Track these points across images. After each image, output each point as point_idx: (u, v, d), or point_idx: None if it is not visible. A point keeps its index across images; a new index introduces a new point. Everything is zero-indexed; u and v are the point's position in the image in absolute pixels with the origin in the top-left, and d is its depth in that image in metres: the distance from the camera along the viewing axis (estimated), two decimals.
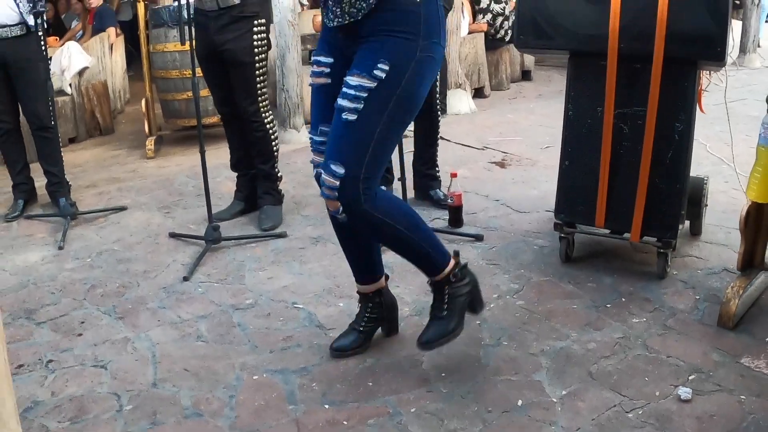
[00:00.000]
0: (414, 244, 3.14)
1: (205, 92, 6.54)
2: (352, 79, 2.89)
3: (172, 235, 5.09)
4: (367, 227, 3.09)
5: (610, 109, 4.03)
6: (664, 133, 3.96)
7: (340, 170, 2.87)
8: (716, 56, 3.83)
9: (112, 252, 4.93)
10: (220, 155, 6.53)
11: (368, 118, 2.87)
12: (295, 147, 7.20)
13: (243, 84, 5.08)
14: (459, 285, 3.25)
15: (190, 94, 7.38)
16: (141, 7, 7.74)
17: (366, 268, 3.44)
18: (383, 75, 2.85)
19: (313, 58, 3.19)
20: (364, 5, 2.87)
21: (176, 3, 7.67)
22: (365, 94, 2.86)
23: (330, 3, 2.96)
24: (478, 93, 9.98)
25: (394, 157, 4.54)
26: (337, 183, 2.88)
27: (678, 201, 4.06)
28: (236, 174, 5.52)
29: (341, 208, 2.95)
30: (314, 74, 3.16)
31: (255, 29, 5.01)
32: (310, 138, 3.23)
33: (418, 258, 3.22)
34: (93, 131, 9.01)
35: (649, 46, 3.82)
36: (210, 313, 3.93)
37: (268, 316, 3.87)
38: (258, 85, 5.14)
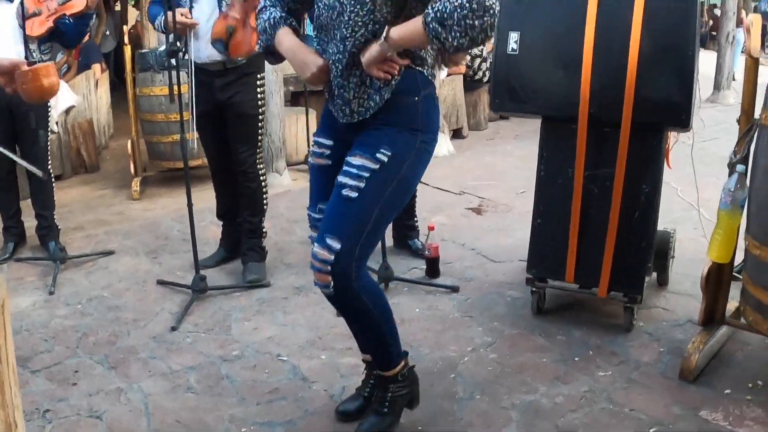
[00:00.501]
0: (381, 332, 3.29)
1: (189, 135, 6.77)
2: (355, 159, 3.05)
3: (160, 283, 5.26)
4: (349, 304, 3.21)
5: (580, 171, 4.25)
6: (631, 194, 4.19)
7: (336, 245, 2.99)
8: (681, 123, 4.08)
9: (101, 298, 5.09)
10: (205, 198, 6.70)
11: (369, 197, 3.01)
12: (277, 191, 7.36)
13: (244, 136, 5.23)
14: (402, 386, 3.40)
15: (175, 137, 7.56)
16: (128, 51, 7.90)
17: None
18: (386, 159, 3.01)
19: (314, 139, 3.36)
20: (372, 104, 3.06)
21: (162, 48, 7.88)
22: (367, 174, 3.01)
23: (338, 101, 3.14)
24: (456, 134, 10.23)
25: None
26: (332, 257, 3.00)
27: (643, 258, 4.28)
28: (222, 222, 5.68)
29: (331, 283, 3.06)
30: (315, 155, 3.33)
31: (258, 83, 5.20)
32: (309, 215, 3.39)
33: (379, 346, 3.36)
34: (78, 169, 9.15)
35: (617, 112, 4.06)
36: (199, 364, 4.10)
37: (254, 368, 4.05)
38: (258, 137, 5.34)
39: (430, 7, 2.80)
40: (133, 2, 21.76)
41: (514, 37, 4.26)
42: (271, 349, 4.26)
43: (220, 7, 4.96)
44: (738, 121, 3.82)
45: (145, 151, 8.29)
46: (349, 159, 3.07)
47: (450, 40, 2.78)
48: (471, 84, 10.66)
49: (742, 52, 16.70)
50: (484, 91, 10.71)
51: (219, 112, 5.16)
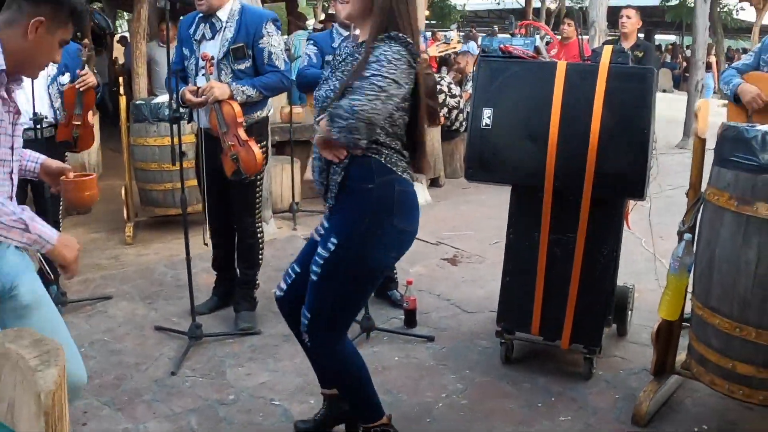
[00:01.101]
0: (355, 391, 3.81)
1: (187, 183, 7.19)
2: (318, 249, 3.56)
3: (158, 328, 5.63)
4: (326, 363, 3.79)
5: (546, 235, 4.70)
6: (591, 256, 4.64)
7: (306, 317, 3.59)
8: (637, 194, 4.55)
9: (103, 342, 5.46)
10: (194, 244, 7.02)
11: (324, 282, 3.54)
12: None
13: (245, 200, 5.59)
14: None
15: (168, 185, 7.97)
16: (123, 101, 8.26)
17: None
18: (333, 248, 3.49)
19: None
20: (332, 186, 3.53)
21: (157, 99, 8.29)
22: (321, 262, 3.52)
23: (317, 179, 3.65)
24: (434, 182, 10.63)
25: None
26: (306, 324, 3.60)
27: (602, 314, 4.74)
28: (216, 272, 6.05)
29: (309, 342, 3.67)
30: (315, 230, 3.81)
31: (262, 149, 5.46)
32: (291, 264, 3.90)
33: (356, 402, 3.87)
34: (71, 210, 9.48)
35: (579, 183, 4.50)
36: (198, 407, 4.50)
37: (250, 411, 4.46)
38: (257, 200, 5.69)
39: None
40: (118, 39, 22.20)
41: (487, 113, 4.70)
42: (264, 393, 4.67)
43: (219, 77, 5.30)
44: (686, 194, 4.29)
45: (137, 197, 8.63)
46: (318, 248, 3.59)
47: (333, 133, 3.28)
48: (448, 134, 11.07)
49: (712, 96, 17.31)
50: (461, 141, 11.10)
51: (222, 175, 5.43)
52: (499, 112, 4.70)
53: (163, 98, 8.15)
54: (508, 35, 5.24)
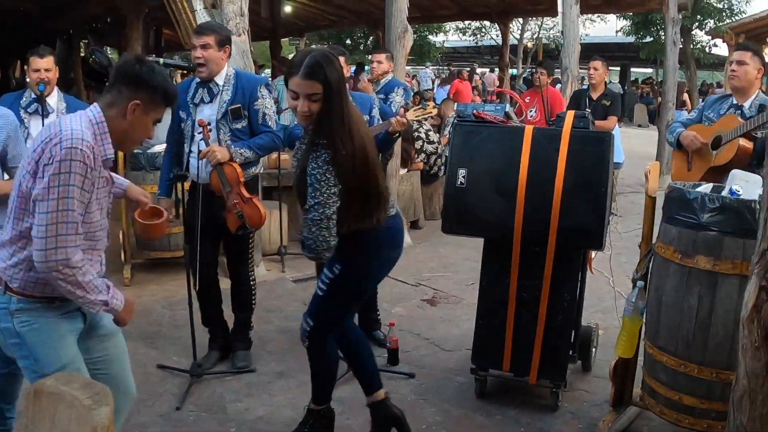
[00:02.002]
0: (322, 379, 4.83)
1: (177, 229, 7.70)
2: (324, 270, 4.52)
3: (160, 367, 6.07)
4: (317, 357, 4.71)
5: (514, 281, 5.22)
6: (555, 300, 5.16)
7: (309, 324, 4.60)
8: (596, 246, 5.12)
9: None
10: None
11: (328, 297, 4.54)
12: None
13: (238, 250, 6.06)
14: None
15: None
16: (120, 154, 8.73)
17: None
18: (337, 272, 4.43)
19: None
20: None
21: (153, 149, 8.77)
22: (327, 281, 4.45)
23: None
24: (413, 225, 11.10)
25: None
26: (308, 328, 4.57)
27: (565, 352, 5.27)
28: (208, 329, 6.34)
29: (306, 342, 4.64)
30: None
31: None
32: None
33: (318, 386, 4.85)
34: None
35: (544, 236, 5.03)
36: None
37: None
38: (250, 248, 6.16)
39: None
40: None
41: (462, 173, 5.22)
42: (262, 426, 5.16)
43: (218, 136, 5.76)
44: (639, 246, 4.84)
45: (134, 240, 9.07)
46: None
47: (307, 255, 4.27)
48: (427, 178, 11.55)
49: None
50: (439, 184, 11.55)
51: (215, 227, 5.83)
52: (473, 172, 5.21)
53: (159, 148, 8.63)
54: (480, 101, 5.79)
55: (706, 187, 4.56)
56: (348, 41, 36.48)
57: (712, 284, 4.17)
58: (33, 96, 6.46)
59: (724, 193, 4.41)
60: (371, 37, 31.49)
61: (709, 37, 27.81)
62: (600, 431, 4.83)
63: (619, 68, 42.44)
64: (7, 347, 3.54)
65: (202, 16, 8.43)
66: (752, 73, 5.75)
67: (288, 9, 20.46)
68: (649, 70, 46.24)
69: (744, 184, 4.50)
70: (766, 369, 3.26)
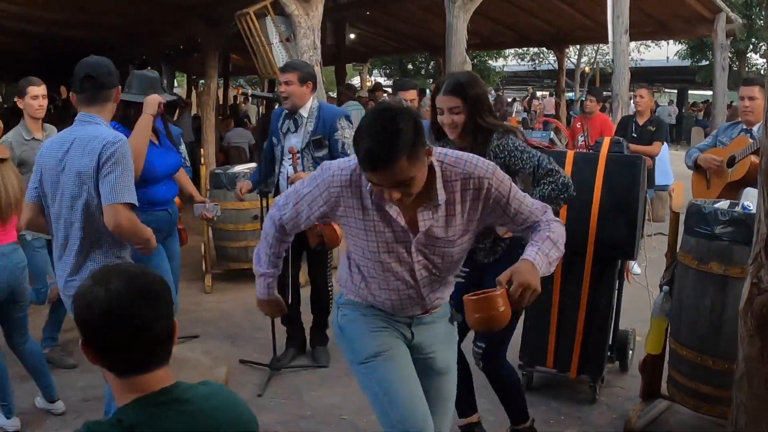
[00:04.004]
0: (514, 397, 5.17)
1: (254, 242, 8.46)
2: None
3: (242, 362, 6.82)
4: (497, 376, 5.09)
5: (557, 287, 5.91)
6: (592, 305, 5.83)
7: (480, 347, 4.97)
8: (629, 256, 5.80)
9: None
10: None
11: None
12: None
13: (319, 260, 6.80)
14: None
15: (242, 243, 9.29)
16: (203, 170, 9.52)
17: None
18: None
19: None
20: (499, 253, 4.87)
21: (233, 169, 9.57)
22: None
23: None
24: None
25: None
26: (479, 350, 4.97)
27: (602, 351, 5.93)
28: (286, 329, 7.07)
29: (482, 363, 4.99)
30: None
31: None
32: None
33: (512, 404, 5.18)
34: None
35: (584, 247, 5.72)
36: (283, 421, 5.73)
37: (324, 424, 5.70)
38: (329, 259, 6.91)
39: None
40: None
41: None
42: (335, 411, 5.91)
43: (302, 163, 6.45)
44: (666, 255, 5.53)
45: (214, 252, 9.87)
46: None
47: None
48: None
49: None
50: None
51: (298, 236, 6.53)
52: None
53: (240, 168, 9.45)
54: (530, 129, 6.48)
55: (723, 203, 5.23)
56: (410, 66, 37.30)
57: (723, 286, 4.85)
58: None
59: (738, 208, 5.09)
60: (432, 62, 32.25)
61: (764, 60, 28.12)
62: (630, 419, 5.49)
63: (676, 91, 42.68)
64: None
65: (277, 49, 9.24)
66: (761, 105, 6.35)
67: (352, 35, 21.20)
68: (708, 93, 46.24)
69: (754, 201, 5.16)
70: (760, 354, 3.92)
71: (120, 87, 4.65)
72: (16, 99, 6.54)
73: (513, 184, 3.44)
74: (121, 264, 2.39)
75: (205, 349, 4.92)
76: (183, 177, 6.38)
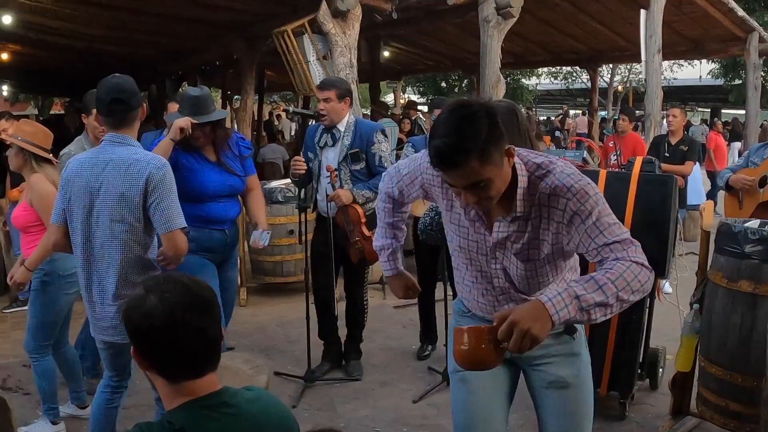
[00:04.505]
0: None
1: (289, 257, 8.60)
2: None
3: (277, 374, 6.93)
4: None
5: None
6: (624, 324, 5.90)
7: None
8: (660, 275, 5.84)
9: None
10: (299, 308, 8.35)
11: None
12: None
13: (356, 274, 6.89)
14: None
15: (277, 257, 9.43)
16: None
17: None
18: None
19: None
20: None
21: (269, 185, 9.71)
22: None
23: None
24: None
25: (441, 324, 6.66)
26: None
27: (632, 368, 6.00)
28: (323, 342, 7.21)
29: None
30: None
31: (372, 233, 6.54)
32: None
33: None
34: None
35: None
36: None
37: None
38: (366, 275, 7.02)
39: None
40: None
41: None
42: (367, 423, 6.02)
43: (339, 176, 6.52)
44: (696, 273, 5.61)
45: (249, 265, 10.03)
46: None
47: None
48: None
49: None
50: None
51: (336, 251, 6.66)
52: None
53: (275, 184, 9.60)
54: (563, 148, 6.58)
55: (753, 223, 5.30)
56: (443, 84, 37.45)
57: (752, 305, 4.92)
58: None
59: None
60: (465, 80, 32.37)
61: None
62: None
63: (709, 110, 42.60)
64: None
65: (314, 67, 9.40)
66: None
67: (386, 53, 21.36)
68: (741, 112, 46.08)
69: None
70: None
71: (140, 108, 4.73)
72: (82, 115, 6.53)
73: (605, 206, 3.12)
74: (170, 273, 2.50)
75: (245, 358, 5.02)
76: (254, 202, 6.32)
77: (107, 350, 4.75)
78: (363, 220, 6.44)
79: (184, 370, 2.41)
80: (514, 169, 3.10)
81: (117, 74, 4.66)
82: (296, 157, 6.68)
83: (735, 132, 34.29)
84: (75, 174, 4.51)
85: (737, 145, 32.49)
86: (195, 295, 2.40)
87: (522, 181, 3.10)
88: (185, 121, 5.44)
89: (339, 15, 9.08)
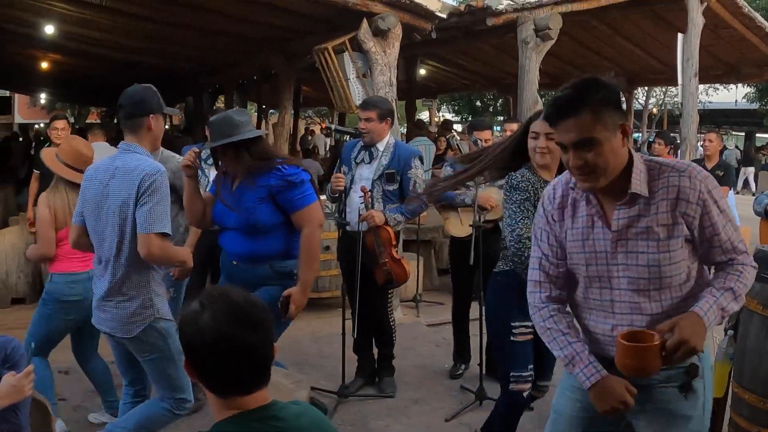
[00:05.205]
0: None
1: (324, 272, 8.67)
2: None
3: (311, 388, 6.99)
4: None
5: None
6: None
7: None
8: None
9: None
10: (333, 323, 8.50)
11: None
12: None
13: (380, 295, 6.92)
14: None
15: None
16: None
17: None
18: None
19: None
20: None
21: None
22: None
23: None
24: None
25: (474, 343, 6.70)
26: None
27: None
28: (357, 357, 7.29)
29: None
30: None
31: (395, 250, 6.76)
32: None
33: None
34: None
35: None
36: None
37: None
38: (390, 295, 7.06)
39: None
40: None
41: None
42: None
43: (372, 193, 6.59)
44: None
45: None
46: None
47: None
48: None
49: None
50: None
51: (360, 267, 6.67)
52: None
53: None
54: None
55: None
56: (478, 103, 37.52)
57: None
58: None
59: None
60: (500, 100, 32.42)
61: None
62: None
63: (744, 134, 42.45)
64: None
65: (354, 85, 9.47)
66: None
67: (423, 72, 21.44)
68: None
69: None
70: None
71: (159, 115, 4.75)
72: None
73: (729, 210, 3.17)
74: (225, 289, 2.55)
75: (285, 372, 5.09)
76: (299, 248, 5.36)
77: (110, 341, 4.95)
78: (394, 242, 6.50)
79: (231, 387, 2.49)
80: (631, 157, 3.14)
81: (140, 84, 4.80)
82: (337, 174, 6.69)
83: (747, 156, 34.19)
84: (89, 180, 4.74)
85: (750, 170, 32.48)
86: (246, 313, 2.47)
87: (639, 166, 3.13)
88: (188, 157, 5.11)
89: (379, 34, 9.16)
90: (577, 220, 3.31)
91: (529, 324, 4.55)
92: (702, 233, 3.13)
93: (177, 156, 6.21)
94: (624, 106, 3.03)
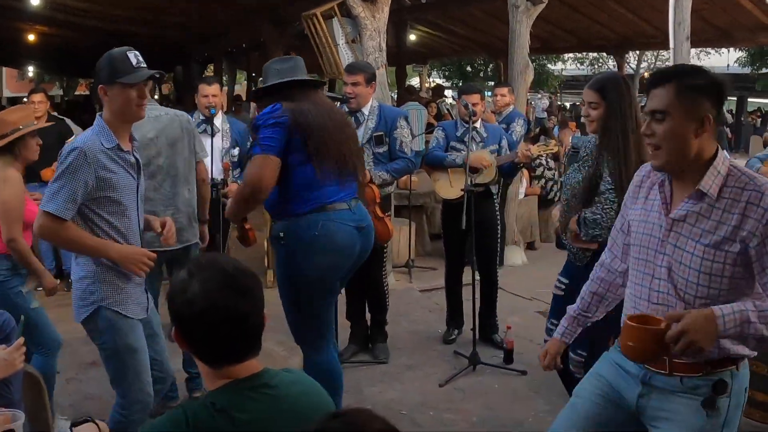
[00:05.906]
0: None
1: None
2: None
3: None
4: None
5: None
6: None
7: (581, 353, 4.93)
8: None
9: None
10: None
11: None
12: None
13: (375, 259, 6.71)
14: None
15: None
16: None
17: None
18: None
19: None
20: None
21: None
22: None
23: None
24: (529, 246, 11.82)
25: (467, 308, 6.68)
26: (581, 359, 4.96)
27: None
28: (350, 323, 7.28)
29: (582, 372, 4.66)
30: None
31: (387, 216, 6.73)
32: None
33: None
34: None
35: None
36: None
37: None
38: (384, 256, 7.05)
39: None
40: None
41: None
42: (393, 406, 6.05)
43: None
44: None
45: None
46: None
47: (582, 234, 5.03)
48: (544, 202, 12.26)
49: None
50: (555, 208, 12.21)
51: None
52: None
53: None
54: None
55: None
56: (468, 68, 37.36)
57: None
58: (202, 117, 7.50)
59: None
60: (491, 65, 32.30)
61: None
62: None
63: (735, 99, 42.33)
64: None
65: (343, 50, 9.39)
66: None
67: (413, 37, 21.34)
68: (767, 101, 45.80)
69: None
70: None
71: (116, 86, 4.16)
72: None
73: None
74: (215, 257, 2.49)
75: (279, 340, 5.04)
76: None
77: None
78: (378, 200, 6.39)
79: (223, 356, 2.45)
80: (714, 156, 3.07)
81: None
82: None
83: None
84: None
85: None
86: (235, 280, 2.43)
87: (719, 166, 3.04)
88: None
89: None
90: (647, 201, 3.31)
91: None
92: (760, 257, 2.98)
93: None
94: (724, 104, 3.09)
